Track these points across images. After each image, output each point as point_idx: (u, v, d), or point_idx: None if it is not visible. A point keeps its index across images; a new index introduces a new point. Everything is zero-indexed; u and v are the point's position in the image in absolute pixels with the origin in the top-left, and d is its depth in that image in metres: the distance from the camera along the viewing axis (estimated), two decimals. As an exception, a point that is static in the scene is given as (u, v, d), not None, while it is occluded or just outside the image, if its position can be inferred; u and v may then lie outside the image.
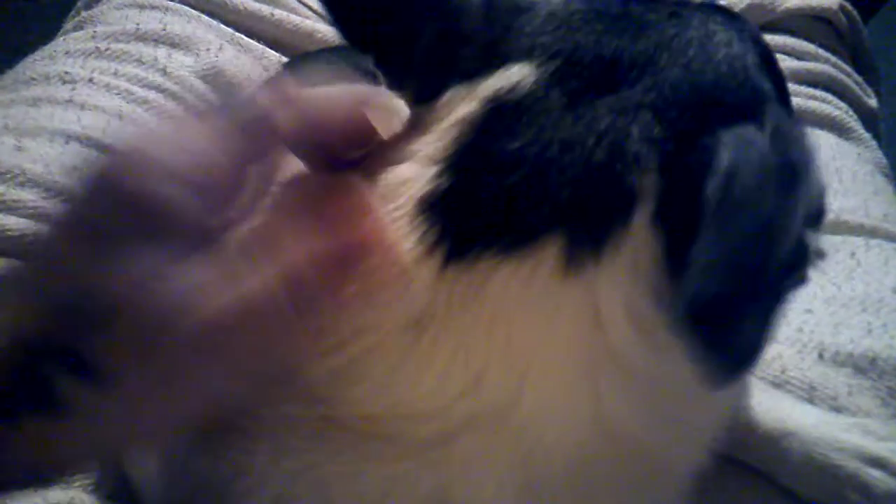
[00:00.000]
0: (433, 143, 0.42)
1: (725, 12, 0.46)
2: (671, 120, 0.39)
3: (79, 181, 0.38)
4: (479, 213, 0.39)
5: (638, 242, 0.39)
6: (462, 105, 0.42)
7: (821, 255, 0.38)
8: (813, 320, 0.67)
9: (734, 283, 0.36)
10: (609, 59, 0.41)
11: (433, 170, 0.41)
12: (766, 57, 0.44)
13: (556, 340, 0.39)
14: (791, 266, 0.37)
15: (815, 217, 0.39)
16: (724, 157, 0.37)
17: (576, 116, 0.40)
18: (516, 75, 0.41)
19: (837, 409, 0.60)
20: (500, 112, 0.41)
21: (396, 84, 0.46)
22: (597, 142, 0.39)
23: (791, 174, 0.38)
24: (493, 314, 0.39)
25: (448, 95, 0.43)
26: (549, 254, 0.39)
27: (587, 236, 0.39)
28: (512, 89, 0.41)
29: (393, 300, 0.40)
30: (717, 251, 0.36)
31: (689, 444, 0.45)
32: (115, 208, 0.36)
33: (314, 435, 0.40)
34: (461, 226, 0.39)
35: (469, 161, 0.40)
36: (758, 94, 0.41)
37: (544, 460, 0.40)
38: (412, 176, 0.41)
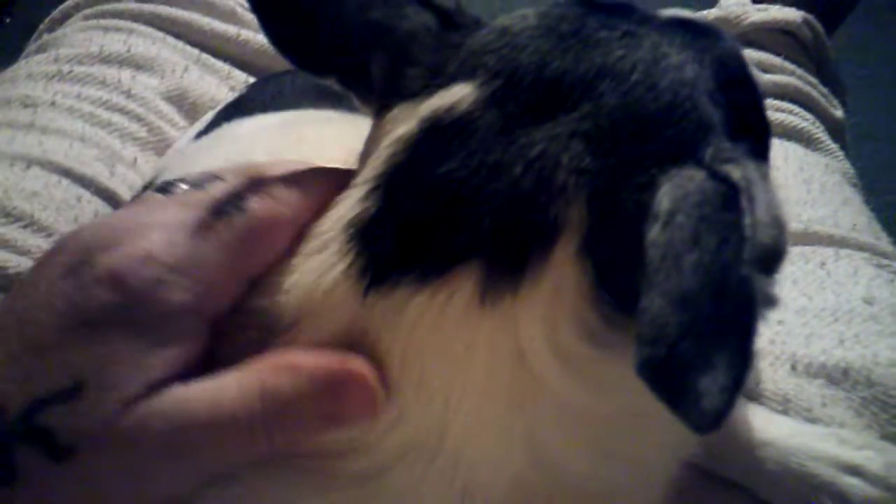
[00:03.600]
0: (370, 164, 0.41)
1: (694, 29, 0.43)
2: (604, 151, 0.38)
3: (67, 257, 0.38)
4: (400, 239, 0.38)
5: (560, 274, 0.37)
6: (402, 124, 0.41)
7: (772, 301, 0.35)
8: (784, 331, 0.67)
9: (684, 337, 0.33)
10: (550, 82, 0.40)
11: (363, 191, 0.40)
12: (730, 80, 0.42)
13: (474, 373, 0.38)
14: (741, 315, 0.34)
15: (768, 259, 0.35)
16: (662, 201, 0.36)
17: (508, 141, 0.38)
18: (456, 95, 0.40)
19: (812, 421, 0.60)
20: (435, 132, 0.40)
21: (363, 100, 0.46)
22: (525, 169, 0.38)
23: (731, 214, 0.35)
24: (406, 345, 0.38)
25: (392, 114, 0.43)
26: (466, 284, 0.38)
27: (505, 267, 0.37)
28: (450, 109, 0.40)
29: (316, 326, 0.39)
30: (663, 304, 0.34)
31: (638, 483, 0.43)
32: (101, 293, 0.37)
33: (254, 464, 0.39)
34: (383, 251, 0.38)
35: (397, 183, 0.40)
36: (701, 126, 0.39)
37: (482, 494, 0.39)
38: (345, 198, 0.41)
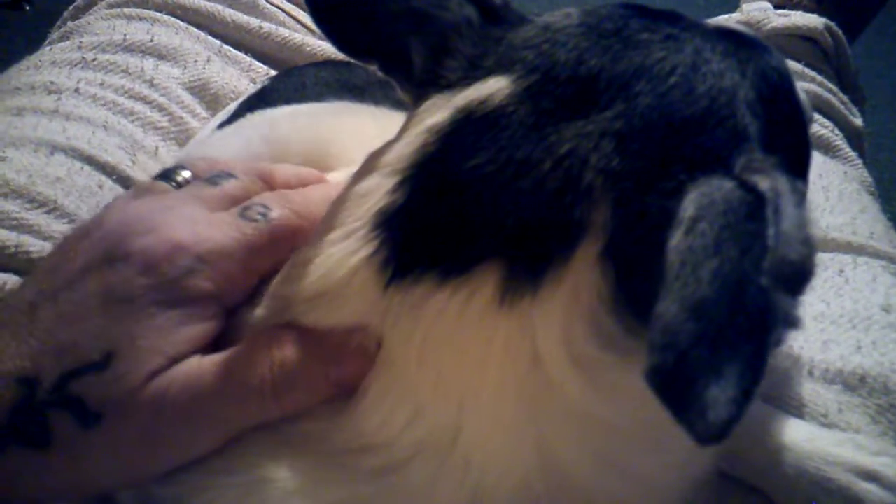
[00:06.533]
0: (399, 152, 0.41)
1: (739, 40, 0.42)
2: (634, 152, 0.37)
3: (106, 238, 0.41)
4: (425, 234, 0.38)
5: (580, 276, 0.37)
6: (435, 114, 0.41)
7: (795, 322, 0.34)
8: (802, 337, 0.67)
9: (696, 345, 0.32)
10: (585, 79, 0.39)
11: (392, 182, 0.40)
12: (772, 94, 0.41)
13: (489, 373, 0.38)
14: (756, 328, 0.33)
15: (795, 278, 0.34)
16: (688, 208, 0.35)
17: (539, 137, 0.38)
18: (491, 87, 0.40)
19: (827, 426, 0.60)
20: (467, 124, 0.40)
21: (403, 87, 0.47)
22: (553, 167, 0.37)
23: (755, 224, 0.34)
24: (424, 343, 0.38)
25: (427, 103, 0.43)
26: (486, 283, 0.37)
27: (526, 267, 0.37)
28: (483, 101, 0.40)
29: (330, 306, 0.40)
30: (677, 311, 0.33)
31: (643, 499, 0.42)
32: (135, 275, 0.40)
33: (269, 453, 0.40)
34: (407, 245, 0.39)
35: (427, 175, 0.40)
36: (735, 135, 0.38)
37: (490, 496, 0.39)
38: (374, 187, 0.41)
